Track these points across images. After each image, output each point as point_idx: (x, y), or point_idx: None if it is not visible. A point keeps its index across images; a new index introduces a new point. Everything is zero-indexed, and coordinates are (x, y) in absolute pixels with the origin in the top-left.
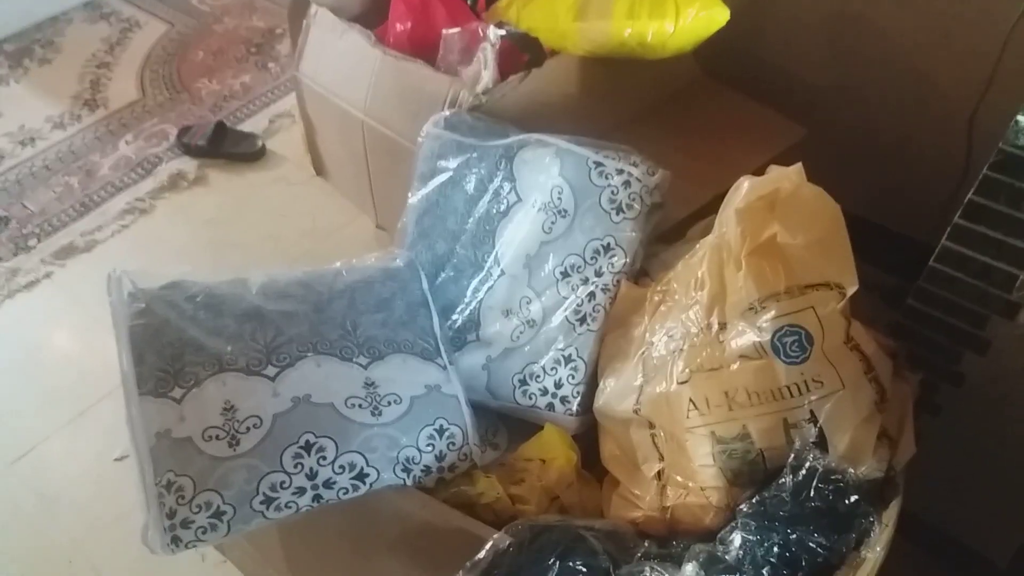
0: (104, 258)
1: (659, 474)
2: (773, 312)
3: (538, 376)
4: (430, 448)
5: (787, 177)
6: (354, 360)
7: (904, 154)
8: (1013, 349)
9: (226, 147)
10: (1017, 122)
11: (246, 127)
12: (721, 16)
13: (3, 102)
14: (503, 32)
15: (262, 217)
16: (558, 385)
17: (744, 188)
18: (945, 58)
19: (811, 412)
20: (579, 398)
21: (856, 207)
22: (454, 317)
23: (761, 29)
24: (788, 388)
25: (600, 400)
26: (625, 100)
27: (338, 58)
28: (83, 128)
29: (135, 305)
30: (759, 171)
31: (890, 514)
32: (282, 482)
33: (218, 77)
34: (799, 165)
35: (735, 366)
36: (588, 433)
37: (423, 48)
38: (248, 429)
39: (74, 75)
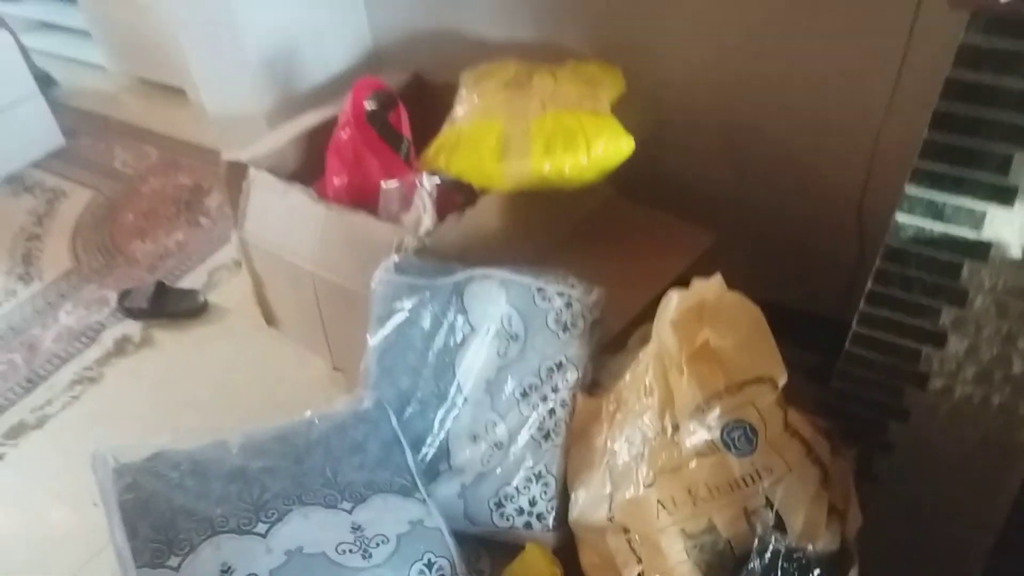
0: (57, 432)
1: None
2: (718, 410)
3: (512, 497)
4: None
5: (710, 288)
6: (338, 506)
7: (806, 244)
8: (929, 415)
9: (168, 306)
10: (896, 222)
11: (185, 283)
12: (627, 145)
13: None
14: (437, 180)
15: (212, 372)
16: (532, 503)
17: (674, 301)
18: (826, 159)
19: (766, 498)
20: (554, 512)
21: (769, 294)
22: (424, 450)
23: (663, 150)
24: (743, 479)
25: (574, 512)
26: (552, 226)
27: (282, 216)
28: (20, 303)
29: (122, 480)
30: (682, 277)
31: None
32: None
33: (151, 237)
34: (719, 276)
35: (693, 464)
36: (568, 545)
37: (361, 198)
38: None
39: (4, 250)
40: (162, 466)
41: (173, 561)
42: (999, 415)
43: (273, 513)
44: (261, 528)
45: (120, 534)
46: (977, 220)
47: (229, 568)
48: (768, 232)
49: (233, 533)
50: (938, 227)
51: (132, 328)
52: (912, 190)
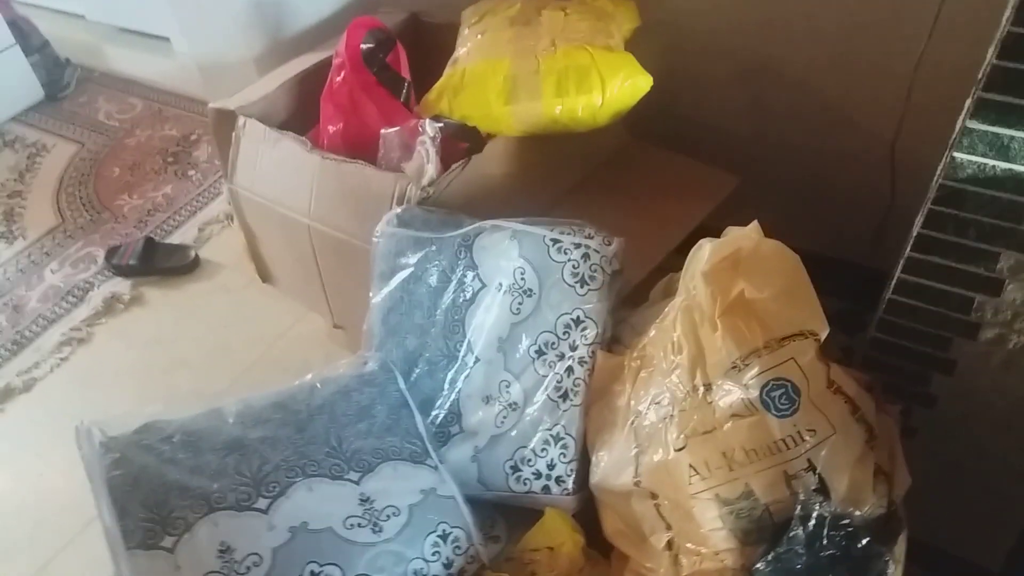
0: (46, 396)
1: (669, 544)
2: (757, 368)
3: (529, 460)
4: (436, 556)
5: (747, 236)
6: (345, 477)
7: (833, 187)
8: (978, 366)
9: (158, 262)
10: (954, 158)
11: (175, 239)
12: (644, 83)
13: None
14: (440, 124)
15: (206, 330)
16: (551, 466)
17: (707, 251)
18: (857, 97)
19: (808, 460)
20: (574, 475)
21: (793, 239)
22: (434, 412)
23: (680, 88)
24: (783, 441)
25: (596, 475)
26: (564, 172)
27: (275, 166)
28: (3, 263)
29: (109, 455)
30: (705, 224)
31: (900, 549)
32: None
33: (138, 191)
34: (756, 223)
35: (728, 426)
36: (587, 509)
37: (358, 147)
38: (249, 568)
39: None
40: (152, 439)
41: (167, 541)
42: None
43: (274, 487)
44: (262, 503)
45: (109, 514)
46: None
47: (228, 548)
48: (792, 175)
49: (231, 510)
50: (1002, 165)
51: (121, 286)
52: (974, 124)
